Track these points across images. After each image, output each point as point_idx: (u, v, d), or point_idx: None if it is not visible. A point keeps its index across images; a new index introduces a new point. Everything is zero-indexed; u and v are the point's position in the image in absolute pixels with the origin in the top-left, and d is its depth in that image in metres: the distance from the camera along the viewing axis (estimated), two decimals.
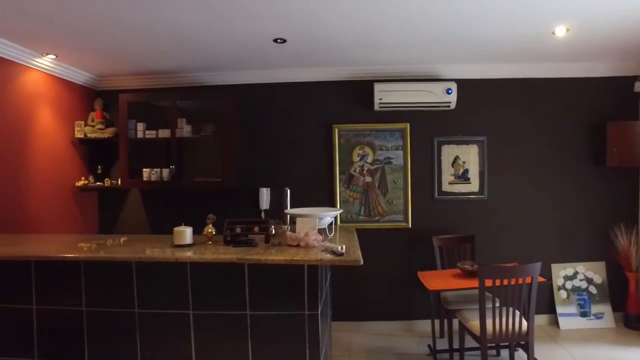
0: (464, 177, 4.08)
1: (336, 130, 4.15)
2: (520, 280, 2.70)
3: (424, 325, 3.99)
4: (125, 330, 2.30)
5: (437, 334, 3.64)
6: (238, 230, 2.25)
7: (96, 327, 2.33)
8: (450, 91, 3.81)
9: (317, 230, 2.35)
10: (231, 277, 2.20)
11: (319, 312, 2.23)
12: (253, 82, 4.19)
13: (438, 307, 3.63)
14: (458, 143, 4.08)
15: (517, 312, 2.76)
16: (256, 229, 2.29)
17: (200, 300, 2.24)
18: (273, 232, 2.40)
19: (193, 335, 2.25)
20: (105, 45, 3.32)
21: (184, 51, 3.50)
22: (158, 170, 3.95)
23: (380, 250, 4.03)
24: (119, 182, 4.04)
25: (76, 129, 4.04)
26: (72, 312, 2.34)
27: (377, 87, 3.92)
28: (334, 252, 2.09)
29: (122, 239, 2.62)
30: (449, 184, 4.10)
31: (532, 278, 2.73)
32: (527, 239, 4.07)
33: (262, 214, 4.05)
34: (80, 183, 4.06)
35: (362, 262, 2.03)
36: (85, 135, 4.06)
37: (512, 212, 4.08)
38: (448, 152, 4.10)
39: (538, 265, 2.72)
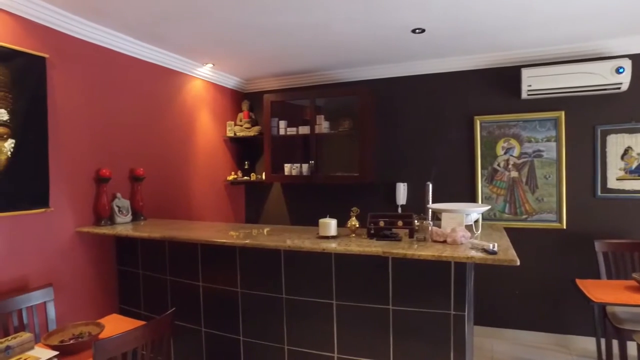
0: (638, 172, 3.45)
1: (478, 122, 3.87)
2: None
3: (584, 342, 3.50)
4: (274, 313, 2.47)
5: (603, 355, 3.15)
6: (381, 223, 2.24)
7: (249, 307, 2.55)
8: (621, 70, 3.23)
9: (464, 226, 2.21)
10: (374, 271, 2.20)
11: (466, 313, 2.10)
12: (389, 76, 4.15)
13: (604, 324, 3.13)
14: (631, 131, 3.45)
15: None
16: (400, 223, 2.25)
17: (343, 291, 2.28)
18: (417, 227, 2.32)
19: (335, 325, 2.31)
20: (252, 51, 3.62)
21: (321, 50, 3.63)
22: (298, 165, 4.18)
23: (527, 252, 3.63)
24: (263, 176, 4.38)
25: (227, 128, 4.51)
26: (229, 291, 2.60)
27: (525, 72, 3.54)
28: (485, 250, 1.94)
29: (270, 229, 2.81)
30: (618, 179, 3.50)
31: None
32: None
33: (399, 209, 4.00)
34: (230, 177, 4.53)
35: (518, 263, 1.84)
36: (234, 134, 4.50)
37: None
38: (616, 143, 3.50)
39: None
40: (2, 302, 2.24)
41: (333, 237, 2.28)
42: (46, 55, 2.65)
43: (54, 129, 2.69)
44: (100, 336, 2.10)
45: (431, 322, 2.13)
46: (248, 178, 4.52)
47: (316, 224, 2.55)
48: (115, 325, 2.30)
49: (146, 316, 2.92)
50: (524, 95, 3.59)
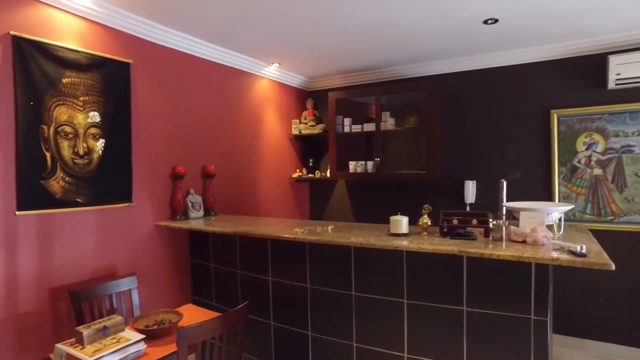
0: None
1: (555, 116, 3.61)
2: None
3: None
4: (343, 310, 2.46)
5: None
6: (455, 222, 2.16)
7: (318, 303, 2.57)
8: None
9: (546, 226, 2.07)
10: (448, 270, 2.13)
11: (548, 318, 1.96)
12: (457, 70, 4.01)
13: None
14: None
15: None
16: (474, 221, 2.16)
17: (414, 290, 2.23)
18: (492, 225, 2.22)
19: (406, 324, 2.27)
20: (317, 49, 3.65)
21: (387, 46, 3.57)
22: (363, 162, 4.16)
23: (614, 256, 3.29)
24: (328, 174, 4.41)
25: (292, 126, 4.59)
26: (298, 287, 2.64)
27: (613, 60, 3.26)
28: (572, 252, 1.80)
29: (338, 226, 2.81)
30: None
31: None
32: None
33: (467, 208, 3.85)
34: (295, 175, 4.60)
35: (613, 267, 1.70)
36: (299, 132, 4.57)
37: None
38: None
39: None
40: (98, 287, 2.45)
41: (404, 235, 2.24)
42: (130, 61, 2.85)
43: (135, 129, 2.89)
44: (179, 324, 2.22)
45: (509, 326, 2.02)
46: (313, 175, 4.57)
47: (381, 222, 2.51)
48: (192, 314, 2.42)
49: (217, 307, 3.05)
50: (611, 85, 3.30)
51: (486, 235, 2.14)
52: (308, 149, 4.82)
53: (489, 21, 3.02)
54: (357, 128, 4.19)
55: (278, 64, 4.12)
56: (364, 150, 4.39)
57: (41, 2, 2.38)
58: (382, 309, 2.32)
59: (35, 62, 2.35)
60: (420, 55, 3.86)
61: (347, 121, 4.26)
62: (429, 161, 3.82)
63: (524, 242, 2.02)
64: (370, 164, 4.13)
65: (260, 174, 4.18)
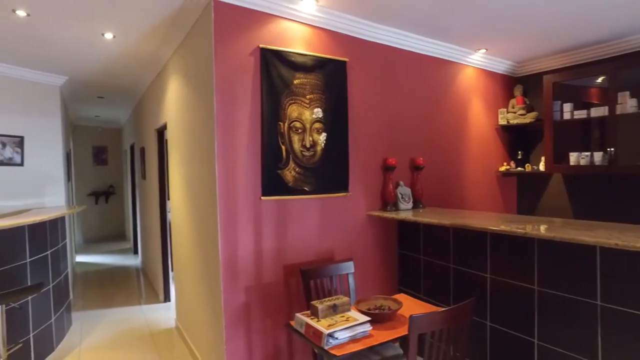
0: None
1: None
2: None
3: None
4: (583, 320, 2.13)
5: None
6: None
7: (547, 308, 2.28)
8: None
9: None
10: None
11: None
12: None
13: None
14: None
15: None
16: None
17: None
18: None
19: None
20: (533, 25, 3.26)
21: (625, 11, 2.95)
22: (588, 154, 3.56)
23: None
24: (541, 167, 3.94)
25: (499, 116, 4.24)
26: (523, 288, 2.39)
27: None
28: None
29: (574, 223, 2.43)
30: None
31: None
32: None
33: None
34: (502, 168, 4.25)
35: None
36: (507, 121, 4.19)
37: None
38: None
39: None
40: (323, 268, 2.69)
41: None
42: (346, 59, 3.05)
43: (351, 123, 3.08)
44: (398, 312, 2.26)
45: None
46: (522, 169, 4.15)
47: (614, 222, 2.06)
48: (408, 304, 2.44)
49: (426, 300, 3.01)
50: None
51: None
52: (516, 140, 4.38)
53: None
54: (580, 114, 3.61)
55: (485, 50, 3.85)
56: (581, 139, 3.76)
57: (279, 16, 2.74)
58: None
59: (275, 68, 2.72)
60: None
61: (566, 107, 3.70)
62: None
63: None
64: (597, 155, 3.50)
65: (466, 167, 3.99)
